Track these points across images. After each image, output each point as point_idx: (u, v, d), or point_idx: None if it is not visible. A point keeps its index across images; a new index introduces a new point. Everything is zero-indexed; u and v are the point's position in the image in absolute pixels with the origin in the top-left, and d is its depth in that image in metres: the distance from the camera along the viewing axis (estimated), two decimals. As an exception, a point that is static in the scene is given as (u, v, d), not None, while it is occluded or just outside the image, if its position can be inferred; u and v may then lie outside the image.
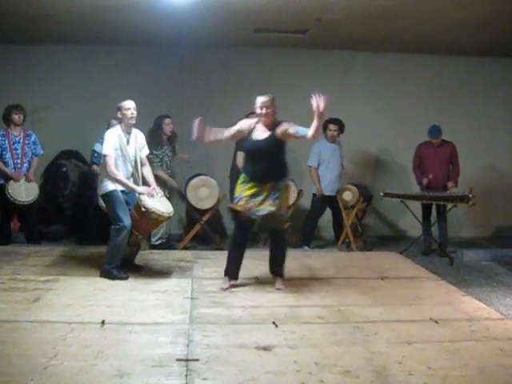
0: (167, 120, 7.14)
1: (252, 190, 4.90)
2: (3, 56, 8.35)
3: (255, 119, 5.02)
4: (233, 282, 5.15)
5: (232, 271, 5.17)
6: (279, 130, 4.85)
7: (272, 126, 4.91)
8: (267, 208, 4.84)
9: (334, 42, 8.28)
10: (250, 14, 6.79)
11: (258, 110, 4.90)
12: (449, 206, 7.35)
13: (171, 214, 5.46)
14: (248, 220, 5.00)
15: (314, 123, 4.56)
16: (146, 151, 5.66)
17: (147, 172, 5.61)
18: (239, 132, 5.08)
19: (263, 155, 4.88)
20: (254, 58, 8.76)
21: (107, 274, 5.28)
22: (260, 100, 4.89)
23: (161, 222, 5.61)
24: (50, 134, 7.85)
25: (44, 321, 4.07)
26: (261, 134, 4.93)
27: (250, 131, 5.00)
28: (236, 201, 4.97)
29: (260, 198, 4.86)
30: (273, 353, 3.62)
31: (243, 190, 4.95)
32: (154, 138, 6.99)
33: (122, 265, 5.39)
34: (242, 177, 5.04)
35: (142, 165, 5.58)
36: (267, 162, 4.87)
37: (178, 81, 8.60)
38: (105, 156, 5.33)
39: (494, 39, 7.72)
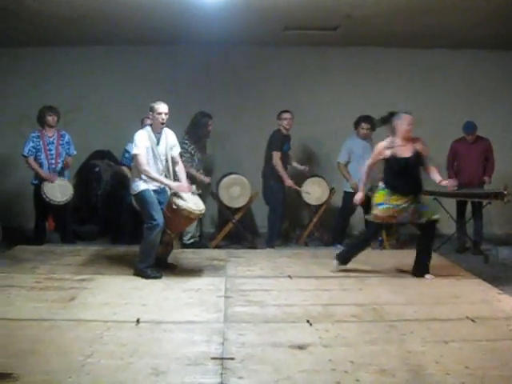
0: (210, 121, 7.23)
1: (397, 201, 5.38)
2: (36, 58, 8.52)
3: (389, 139, 5.45)
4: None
5: (348, 259, 5.70)
6: (419, 147, 5.40)
7: (411, 140, 5.40)
8: (425, 217, 5.46)
9: (365, 38, 8.20)
10: (280, 11, 6.77)
11: (406, 127, 5.33)
12: (483, 202, 7.24)
13: (203, 211, 5.45)
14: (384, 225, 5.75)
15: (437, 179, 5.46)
16: (177, 149, 5.67)
17: (180, 170, 5.64)
18: (377, 160, 5.58)
19: (411, 170, 5.38)
20: (283, 56, 8.73)
21: (141, 273, 5.33)
22: (410, 118, 5.35)
23: (192, 220, 5.61)
24: (82, 135, 7.94)
25: (80, 319, 4.12)
26: (405, 150, 5.38)
27: (395, 152, 5.39)
28: (380, 207, 5.44)
29: (403, 206, 5.38)
30: (307, 351, 3.61)
31: (389, 200, 5.41)
32: (195, 134, 7.12)
33: (156, 264, 5.43)
34: (384, 188, 5.48)
35: (174, 163, 5.60)
36: (412, 176, 5.40)
37: (207, 80, 8.62)
38: (136, 155, 5.33)
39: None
